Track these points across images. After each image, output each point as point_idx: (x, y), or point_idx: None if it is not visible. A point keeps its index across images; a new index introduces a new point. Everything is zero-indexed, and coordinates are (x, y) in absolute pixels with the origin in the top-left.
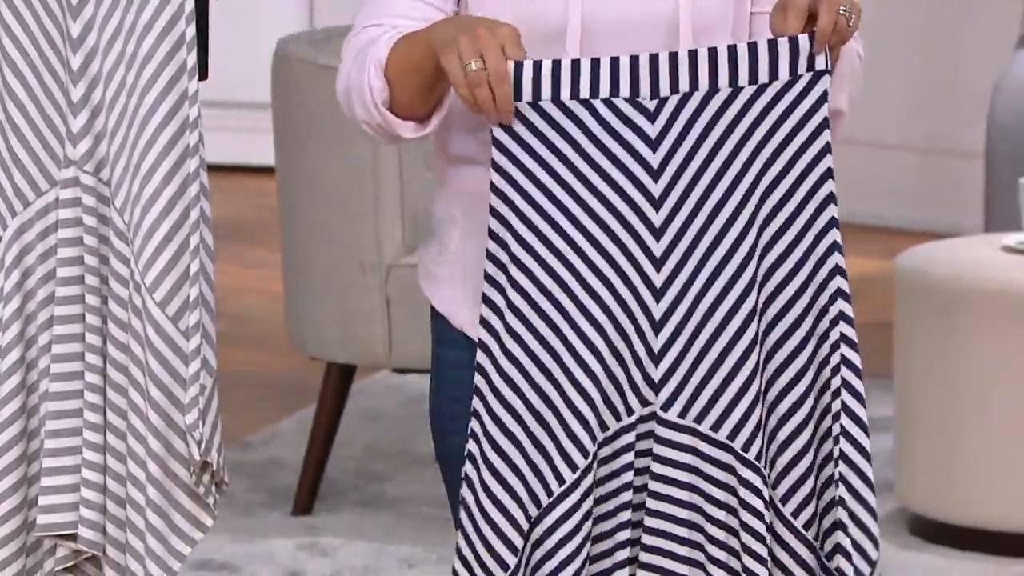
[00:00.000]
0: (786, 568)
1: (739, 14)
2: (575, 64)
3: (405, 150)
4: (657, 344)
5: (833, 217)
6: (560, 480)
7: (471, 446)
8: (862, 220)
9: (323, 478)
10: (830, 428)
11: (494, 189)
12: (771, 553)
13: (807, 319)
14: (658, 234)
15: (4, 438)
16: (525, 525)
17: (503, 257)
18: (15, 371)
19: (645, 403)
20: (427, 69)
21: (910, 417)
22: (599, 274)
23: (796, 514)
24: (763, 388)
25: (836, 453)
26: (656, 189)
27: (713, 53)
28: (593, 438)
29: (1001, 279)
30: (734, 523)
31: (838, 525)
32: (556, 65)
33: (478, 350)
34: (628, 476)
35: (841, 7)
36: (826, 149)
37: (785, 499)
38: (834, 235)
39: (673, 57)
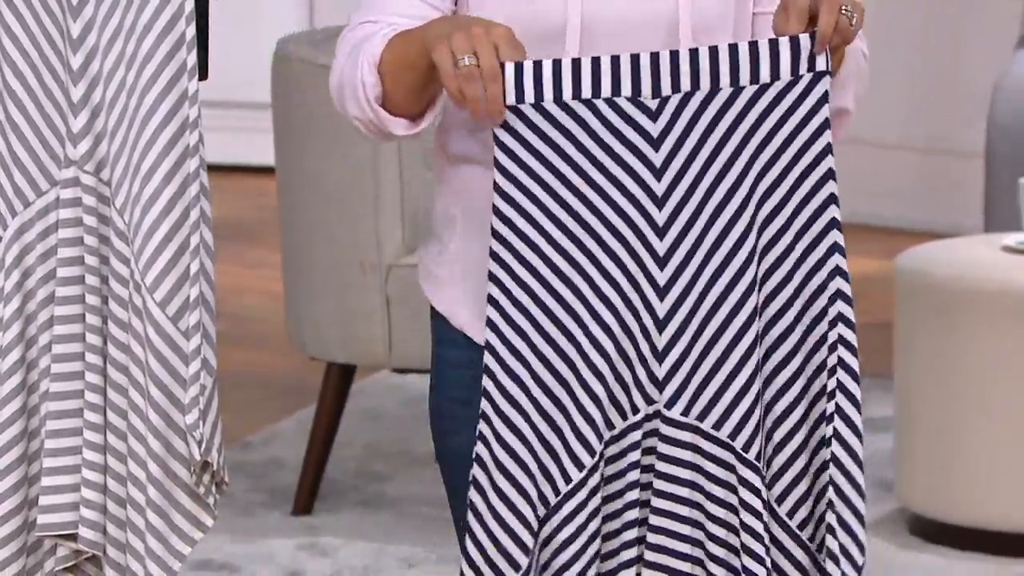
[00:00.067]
0: (781, 570)
1: (741, 14)
2: (576, 64)
3: (405, 150)
4: (661, 342)
5: (834, 218)
6: (567, 479)
7: (479, 449)
8: (862, 220)
9: (323, 478)
10: (824, 431)
11: (497, 190)
12: (767, 553)
13: (804, 320)
14: (661, 232)
15: (5, 438)
16: (536, 525)
17: (507, 257)
18: (15, 371)
19: (650, 401)
20: (421, 67)
21: (910, 417)
22: (604, 272)
23: (791, 514)
24: (761, 388)
25: (828, 456)
26: (659, 188)
27: (714, 52)
28: (600, 436)
29: (1001, 279)
30: (734, 521)
31: (827, 528)
32: (557, 65)
33: (485, 352)
34: (635, 474)
35: (843, 7)
36: (827, 150)
37: (780, 499)
38: (835, 236)
39: (674, 56)
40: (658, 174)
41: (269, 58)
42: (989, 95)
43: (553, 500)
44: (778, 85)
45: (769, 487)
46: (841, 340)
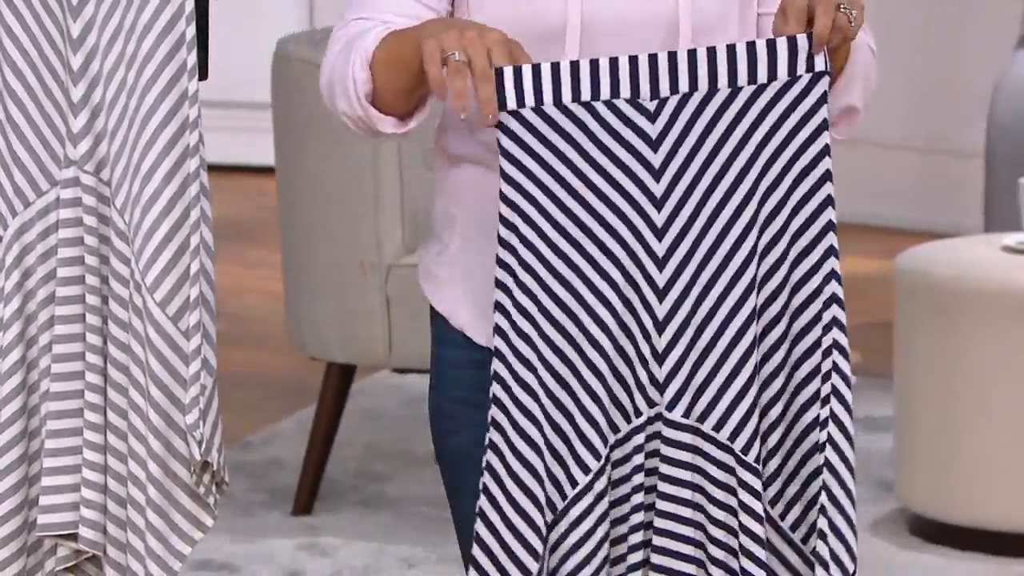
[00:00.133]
0: (772, 572)
1: (746, 16)
2: (574, 66)
3: (405, 150)
4: (661, 344)
5: (831, 220)
6: (574, 483)
7: (490, 457)
8: (862, 220)
9: (323, 478)
10: (818, 436)
11: (503, 198)
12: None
13: (799, 324)
14: (660, 234)
15: (5, 438)
16: (545, 531)
17: (513, 263)
18: (16, 371)
19: (651, 404)
20: (413, 66)
21: (910, 417)
22: (604, 275)
23: (783, 516)
24: (758, 391)
25: (821, 461)
26: (658, 189)
27: (712, 53)
28: (604, 440)
29: (1001, 279)
30: (733, 524)
31: (817, 533)
32: (556, 68)
33: (494, 359)
34: (639, 478)
35: (841, 5)
36: (825, 151)
37: (773, 502)
38: (831, 239)
39: (672, 57)
40: (657, 175)
41: (269, 58)
42: (989, 95)
43: (560, 505)
44: (776, 85)
45: (766, 486)
46: (835, 345)
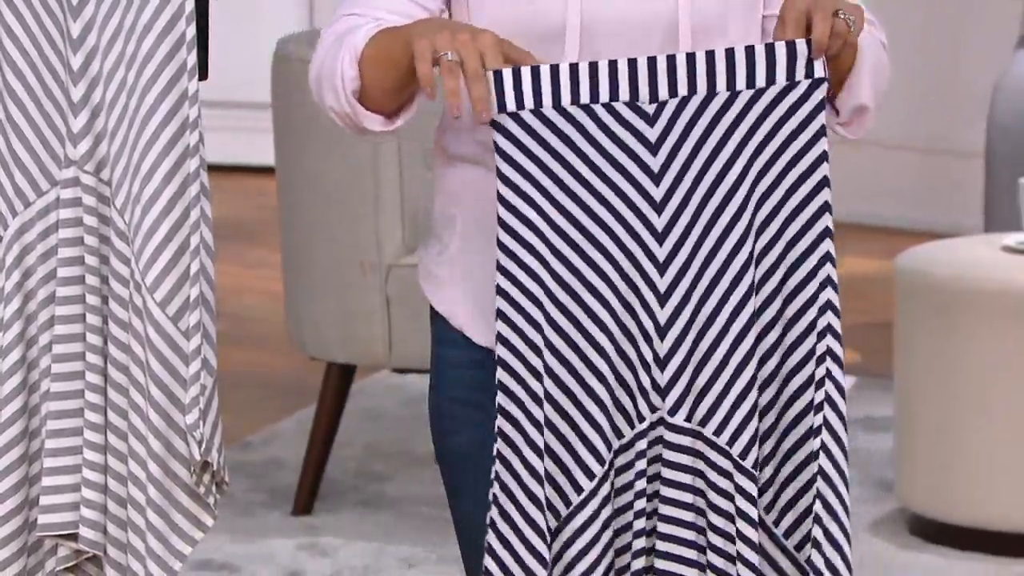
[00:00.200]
0: None
1: (751, 17)
2: (573, 69)
3: (405, 150)
4: (663, 349)
5: (827, 227)
6: (579, 489)
7: (499, 469)
8: (862, 220)
9: (323, 478)
10: (811, 444)
11: (501, 200)
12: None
13: (794, 331)
14: (661, 238)
15: (5, 438)
16: (551, 538)
17: (513, 269)
18: (16, 371)
19: (654, 408)
20: (402, 65)
21: (910, 417)
22: (604, 277)
23: (777, 523)
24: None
25: (815, 469)
26: (657, 193)
27: (711, 57)
28: (608, 445)
29: (1001, 279)
30: (731, 530)
31: (812, 542)
32: (555, 70)
33: (498, 368)
34: (641, 483)
35: (839, 11)
36: (822, 157)
37: (767, 509)
38: (827, 246)
39: (671, 60)
40: (656, 179)
41: (269, 58)
42: (989, 95)
43: (564, 512)
44: (774, 90)
45: (759, 493)
46: (829, 352)
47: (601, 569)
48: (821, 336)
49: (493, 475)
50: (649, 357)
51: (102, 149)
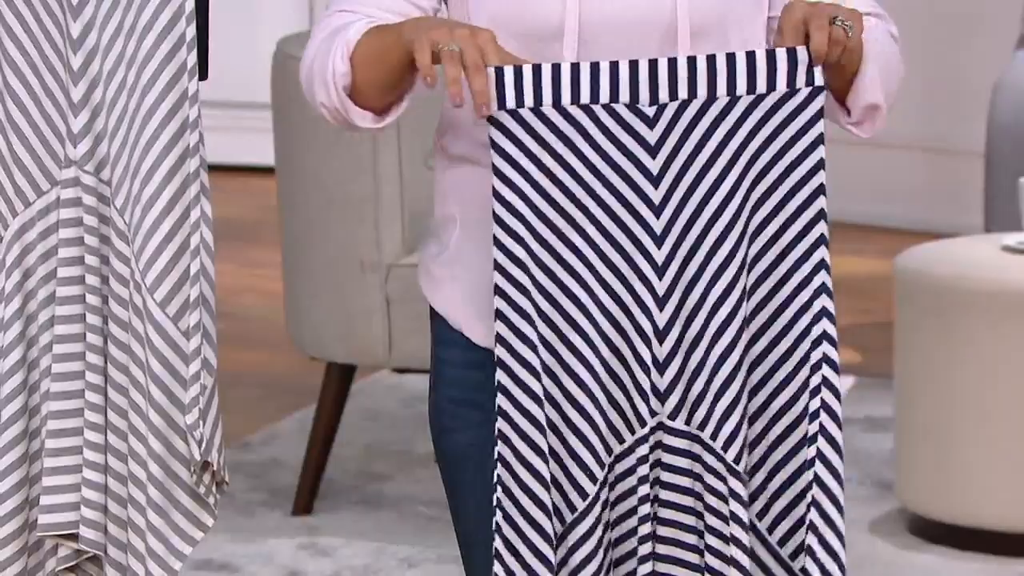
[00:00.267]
0: None
1: (756, 19)
2: (574, 68)
3: (405, 150)
4: (662, 352)
5: (823, 234)
6: (583, 494)
7: (500, 472)
8: (862, 220)
9: (323, 478)
10: (807, 452)
11: (496, 196)
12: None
13: (788, 338)
14: (659, 241)
15: (6, 438)
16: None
17: (510, 267)
18: (16, 371)
19: (653, 413)
20: (395, 62)
21: (910, 417)
22: (603, 282)
23: (771, 530)
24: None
25: (811, 476)
26: (656, 196)
27: (712, 61)
28: (608, 449)
29: (1001, 279)
30: (727, 533)
31: (806, 549)
32: (556, 69)
33: (498, 369)
34: (644, 488)
35: (836, 18)
36: (819, 165)
37: (760, 515)
38: (822, 253)
39: (672, 63)
40: (655, 181)
41: (269, 58)
42: (989, 95)
43: (569, 517)
44: (774, 96)
45: (750, 501)
46: (825, 359)
47: (604, 574)
48: (816, 344)
49: (495, 479)
50: (648, 360)
51: (102, 149)
